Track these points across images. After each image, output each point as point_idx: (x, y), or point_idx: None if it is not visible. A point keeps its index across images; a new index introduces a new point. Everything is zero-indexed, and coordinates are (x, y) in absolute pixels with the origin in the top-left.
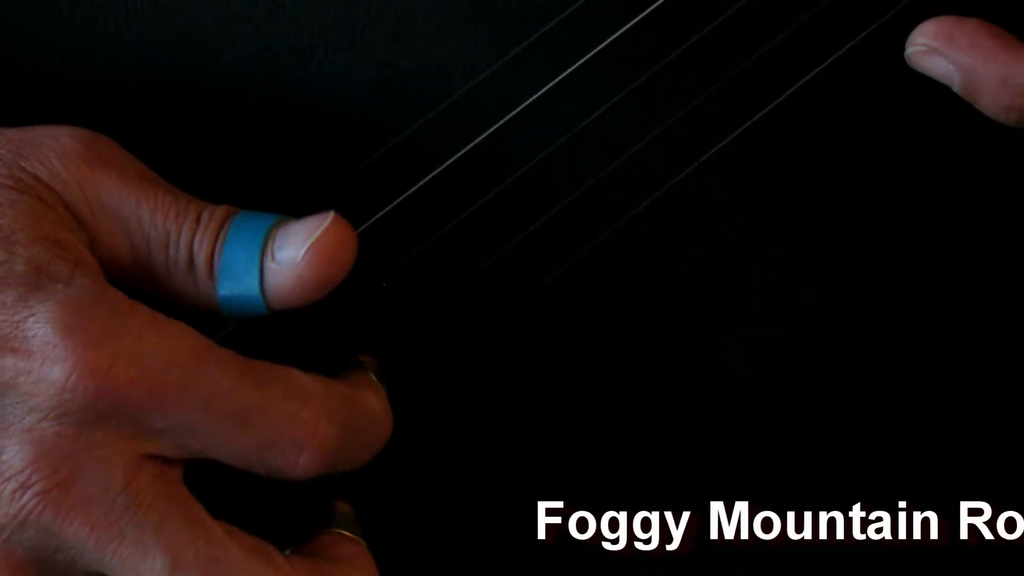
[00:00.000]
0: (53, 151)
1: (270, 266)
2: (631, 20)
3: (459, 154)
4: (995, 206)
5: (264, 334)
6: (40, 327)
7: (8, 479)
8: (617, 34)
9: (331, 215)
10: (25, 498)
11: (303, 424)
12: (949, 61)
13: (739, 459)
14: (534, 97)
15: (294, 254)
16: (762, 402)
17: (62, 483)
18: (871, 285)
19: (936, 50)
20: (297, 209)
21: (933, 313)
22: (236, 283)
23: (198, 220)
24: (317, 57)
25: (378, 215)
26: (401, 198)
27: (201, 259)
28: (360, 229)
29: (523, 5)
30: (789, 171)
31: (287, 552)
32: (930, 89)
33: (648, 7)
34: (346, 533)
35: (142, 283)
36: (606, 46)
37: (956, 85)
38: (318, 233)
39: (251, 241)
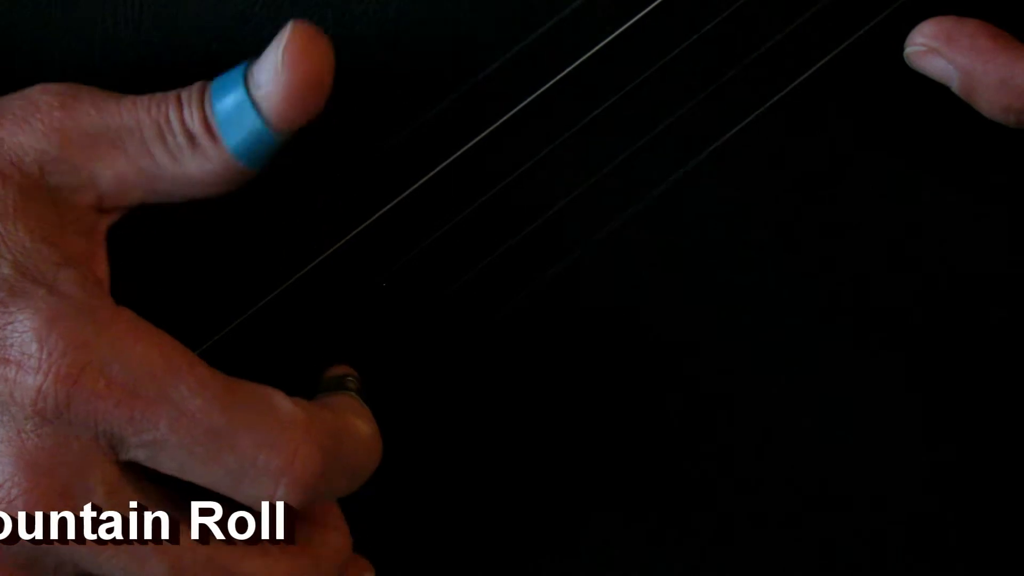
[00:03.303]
0: (26, 110)
1: (259, 93)
2: (628, 21)
3: (457, 154)
4: (994, 206)
5: (257, 339)
6: (18, 335)
7: None
8: (615, 34)
9: (290, 23)
10: (8, 512)
11: (280, 452)
12: (948, 61)
13: (738, 459)
14: (533, 97)
15: (273, 65)
16: (761, 402)
17: (45, 496)
18: (869, 285)
19: (935, 50)
20: (296, 210)
21: (932, 313)
22: (239, 127)
23: (179, 100)
24: None
25: (377, 215)
26: (400, 198)
27: (198, 127)
28: (359, 229)
29: (522, 6)
30: (787, 171)
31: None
32: (929, 89)
33: (646, 7)
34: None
35: (160, 196)
36: (605, 46)
37: (955, 85)
38: (285, 39)
39: (234, 87)
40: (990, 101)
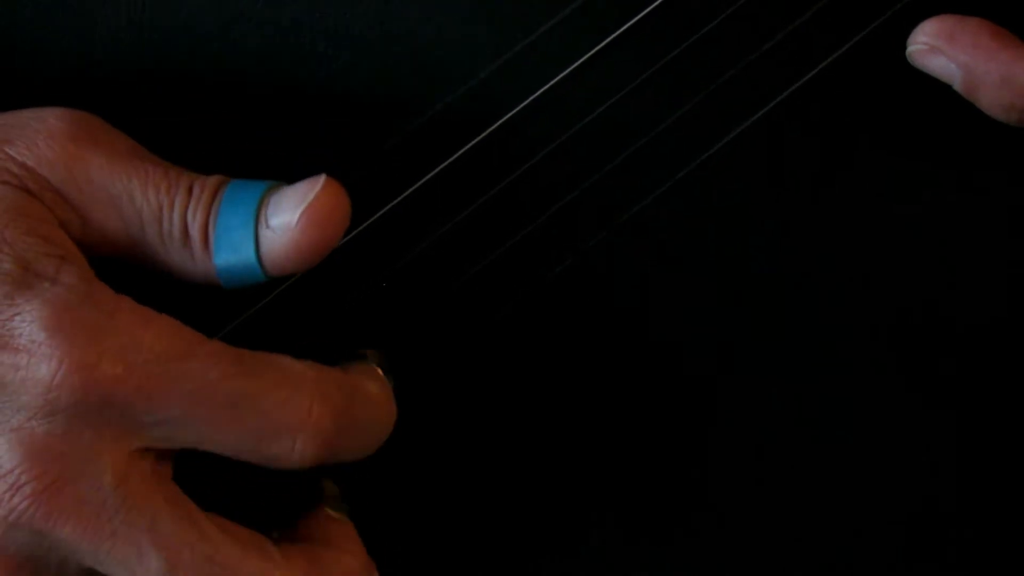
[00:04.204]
0: (39, 133)
1: (265, 233)
2: (630, 20)
3: (457, 154)
4: (995, 206)
5: (262, 334)
6: (27, 326)
7: None
8: (616, 33)
9: (322, 178)
10: (15, 500)
11: (296, 410)
12: (950, 60)
13: (739, 459)
14: (533, 97)
15: (289, 219)
16: (761, 402)
17: (52, 484)
18: (870, 285)
19: (937, 49)
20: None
21: (932, 313)
22: (232, 252)
23: (190, 191)
24: (317, 56)
25: (378, 214)
26: (400, 198)
27: (196, 230)
28: (361, 228)
29: (522, 6)
30: (789, 169)
31: (275, 535)
32: (931, 88)
33: (647, 7)
34: (333, 513)
35: (137, 259)
36: (606, 45)
37: (957, 84)
38: (311, 197)
39: (245, 209)
40: (992, 99)
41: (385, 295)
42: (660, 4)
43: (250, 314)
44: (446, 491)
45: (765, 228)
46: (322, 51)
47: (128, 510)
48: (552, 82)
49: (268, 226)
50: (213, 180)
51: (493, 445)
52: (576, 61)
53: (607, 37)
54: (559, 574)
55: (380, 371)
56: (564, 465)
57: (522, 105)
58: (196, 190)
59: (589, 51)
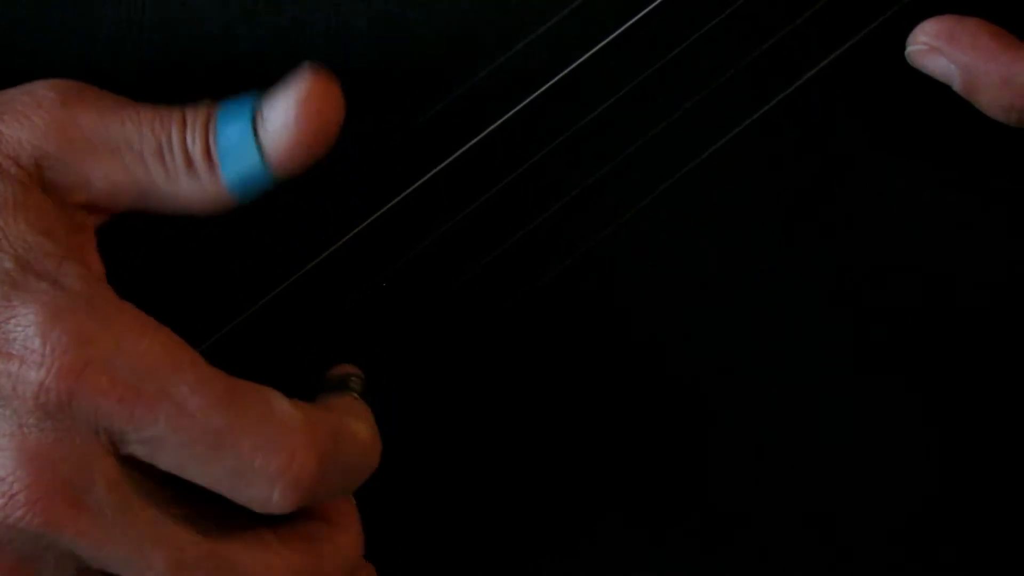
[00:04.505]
0: (28, 105)
1: (266, 135)
2: (629, 21)
3: (457, 154)
4: (995, 206)
5: (262, 334)
6: (21, 329)
7: None
8: (616, 34)
9: (307, 70)
10: (10, 507)
11: (277, 455)
12: (950, 60)
13: (738, 459)
14: (533, 97)
15: (285, 116)
16: (761, 402)
17: (47, 491)
18: (870, 285)
19: (937, 49)
20: (298, 212)
21: (932, 313)
22: (238, 162)
23: (184, 119)
24: (318, 55)
25: (377, 215)
26: (400, 198)
27: (198, 152)
28: (359, 229)
29: (522, 5)
30: (788, 170)
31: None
32: (930, 88)
33: (646, 7)
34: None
35: (151, 208)
36: (605, 46)
37: (956, 84)
38: (303, 90)
39: (240, 120)
40: (991, 100)
41: (385, 295)
42: (660, 4)
43: (250, 314)
44: (446, 490)
45: (765, 228)
46: (322, 51)
47: (126, 513)
48: (552, 82)
49: (267, 128)
50: (204, 103)
51: (493, 445)
52: (576, 61)
53: (607, 37)
54: (559, 574)
55: (366, 407)
56: (564, 465)
57: (522, 105)
58: (189, 117)
59: (589, 51)
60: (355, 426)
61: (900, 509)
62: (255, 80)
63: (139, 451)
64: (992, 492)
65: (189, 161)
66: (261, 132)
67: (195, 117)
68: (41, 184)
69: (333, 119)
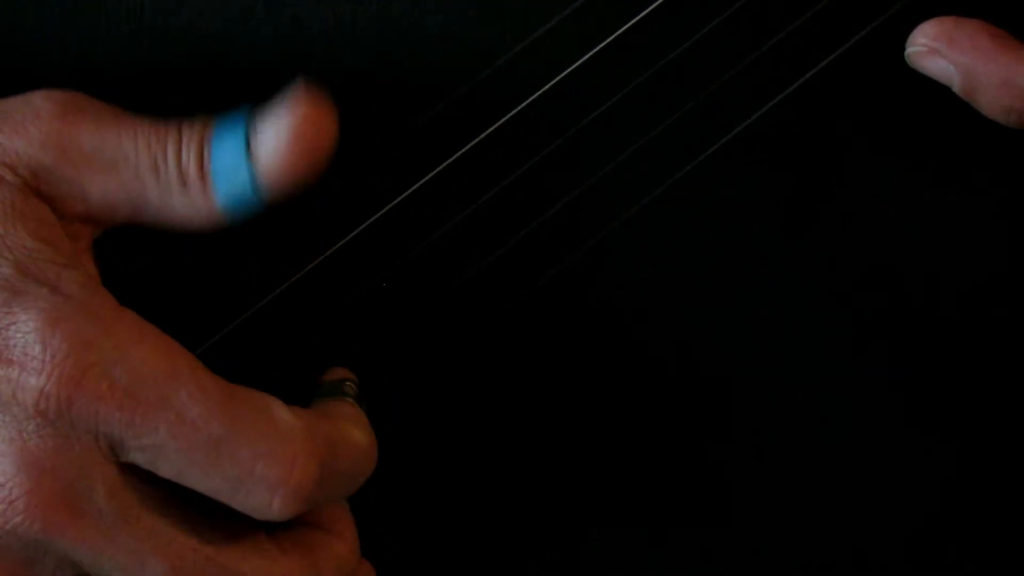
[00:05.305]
0: (26, 116)
1: (257, 160)
2: (629, 21)
3: (458, 154)
4: (995, 206)
5: (262, 334)
6: (21, 336)
7: None
8: (616, 34)
9: (300, 85)
10: (10, 512)
11: (278, 463)
12: (949, 62)
13: (739, 459)
14: (534, 97)
15: (277, 141)
16: (761, 402)
17: (47, 497)
18: (870, 285)
19: (936, 51)
20: (297, 213)
21: (932, 313)
22: (230, 183)
23: (180, 136)
24: (318, 55)
25: (377, 215)
26: (400, 198)
27: (192, 171)
28: (359, 229)
29: (522, 5)
30: (787, 170)
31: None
32: (930, 89)
33: (646, 7)
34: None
35: (145, 222)
36: (605, 46)
37: (956, 86)
38: (297, 114)
39: (234, 140)
40: (991, 101)
41: (385, 295)
42: (660, 4)
43: (250, 313)
44: (446, 491)
45: (765, 228)
46: (322, 51)
47: (126, 520)
48: (552, 82)
49: (259, 155)
50: (200, 120)
51: (493, 445)
52: (577, 61)
53: (608, 37)
54: (559, 574)
55: (363, 413)
56: (564, 465)
57: (523, 105)
58: (185, 134)
59: (590, 51)
60: (353, 433)
61: (900, 509)
62: (255, 80)
63: (139, 458)
64: (993, 492)
65: (183, 179)
66: (253, 156)
67: (191, 133)
68: (37, 195)
69: (325, 146)
